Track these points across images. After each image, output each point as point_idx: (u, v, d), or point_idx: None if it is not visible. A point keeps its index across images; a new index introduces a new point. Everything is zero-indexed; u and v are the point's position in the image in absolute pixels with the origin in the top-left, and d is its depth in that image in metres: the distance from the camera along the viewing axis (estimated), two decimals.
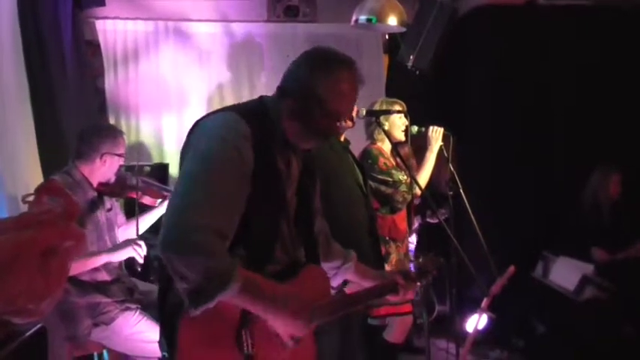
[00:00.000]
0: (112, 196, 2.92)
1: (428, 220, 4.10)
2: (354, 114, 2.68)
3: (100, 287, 2.70)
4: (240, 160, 1.49)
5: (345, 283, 2.05)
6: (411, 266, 3.26)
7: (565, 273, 3.70)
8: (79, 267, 2.55)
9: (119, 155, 2.78)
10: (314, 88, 1.59)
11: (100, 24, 4.42)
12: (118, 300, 2.75)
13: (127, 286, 2.85)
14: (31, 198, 2.51)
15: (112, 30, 4.45)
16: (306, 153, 1.77)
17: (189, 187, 1.45)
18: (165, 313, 1.56)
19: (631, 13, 4.34)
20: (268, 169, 1.57)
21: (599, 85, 4.32)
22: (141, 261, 2.67)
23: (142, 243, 2.67)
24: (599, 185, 3.98)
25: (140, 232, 2.93)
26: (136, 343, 2.71)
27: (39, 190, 2.57)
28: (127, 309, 2.76)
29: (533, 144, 4.32)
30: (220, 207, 1.43)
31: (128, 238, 2.80)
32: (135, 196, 2.87)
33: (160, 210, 2.98)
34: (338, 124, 1.64)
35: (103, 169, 2.75)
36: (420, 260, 2.15)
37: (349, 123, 2.67)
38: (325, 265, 1.89)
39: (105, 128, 3.07)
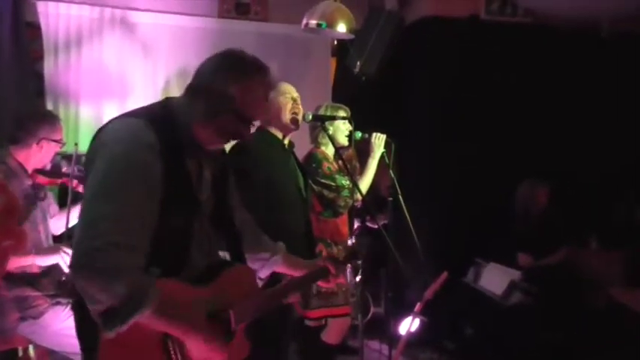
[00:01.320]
0: (47, 184, 2.84)
1: (367, 224, 4.18)
2: (299, 118, 2.75)
3: (29, 280, 2.62)
4: (147, 170, 1.44)
5: (278, 278, 2.07)
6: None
7: (494, 278, 3.86)
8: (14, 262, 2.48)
9: (56, 141, 2.72)
10: (227, 92, 1.56)
11: (41, 6, 4.25)
12: (48, 294, 2.67)
13: (59, 279, 2.78)
14: None
15: (55, 13, 4.28)
16: (220, 152, 1.77)
17: (97, 199, 1.40)
18: (84, 327, 1.51)
19: (566, 34, 4.57)
20: (177, 176, 1.53)
21: (533, 98, 4.53)
22: (66, 270, 2.60)
23: (69, 251, 2.61)
24: (527, 196, 4.18)
25: (72, 224, 2.86)
26: (65, 339, 2.62)
27: None
28: (58, 303, 2.68)
29: (471, 153, 4.48)
30: (130, 219, 1.38)
31: (58, 244, 2.73)
32: (69, 184, 2.80)
33: None
34: (250, 126, 1.63)
35: (39, 154, 2.68)
36: (350, 243, 2.22)
37: (292, 125, 2.72)
38: (253, 257, 1.90)
39: (43, 113, 2.99)
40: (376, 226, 3.48)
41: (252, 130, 1.66)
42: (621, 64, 4.67)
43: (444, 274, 2.55)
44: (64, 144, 2.80)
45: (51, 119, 2.78)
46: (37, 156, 2.69)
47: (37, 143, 2.67)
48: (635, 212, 4.42)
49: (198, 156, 1.63)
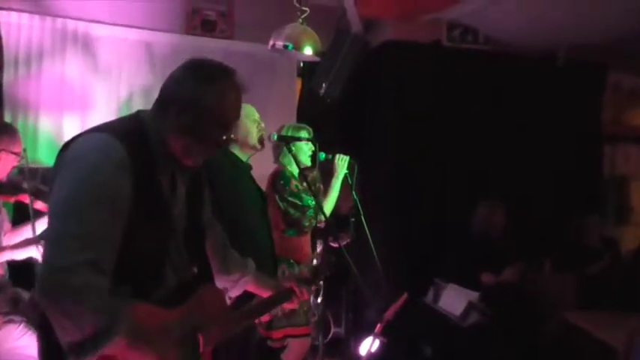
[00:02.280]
0: (2, 198, 2.77)
1: (330, 244, 4.20)
2: (265, 138, 2.77)
3: None
4: (115, 188, 1.40)
5: (248, 298, 2.06)
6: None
7: (453, 299, 3.92)
8: None
9: (15, 153, 2.67)
10: (200, 100, 1.53)
11: (3, 15, 4.16)
12: (1, 312, 2.60)
13: (12, 296, 2.71)
14: None
15: (17, 23, 4.19)
16: (193, 168, 1.70)
17: (63, 218, 1.35)
18: (48, 351, 1.45)
19: (524, 61, 4.74)
20: (149, 192, 1.49)
21: (492, 122, 4.67)
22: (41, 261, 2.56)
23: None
24: (485, 217, 4.29)
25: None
26: (18, 358, 2.57)
27: None
28: (11, 321, 2.62)
29: (431, 174, 4.57)
30: (97, 238, 1.34)
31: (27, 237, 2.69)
32: (27, 200, 2.75)
33: None
34: (228, 133, 1.61)
35: None
36: (314, 262, 2.22)
37: (259, 146, 2.74)
38: (223, 278, 1.89)
39: (2, 125, 2.94)
40: (337, 245, 3.52)
41: (229, 135, 1.63)
42: (576, 90, 4.88)
43: (404, 295, 2.58)
44: (22, 157, 2.75)
45: (11, 130, 2.74)
46: (5, 161, 2.63)
47: (7, 153, 2.62)
48: (586, 234, 4.59)
49: (170, 171, 1.60)
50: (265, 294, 2.00)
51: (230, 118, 1.60)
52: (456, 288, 3.95)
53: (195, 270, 1.73)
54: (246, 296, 2.03)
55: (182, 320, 1.52)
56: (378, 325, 2.60)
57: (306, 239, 3.28)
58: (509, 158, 4.67)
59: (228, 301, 1.93)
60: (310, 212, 3.13)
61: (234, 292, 1.95)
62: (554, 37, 4.52)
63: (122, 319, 1.32)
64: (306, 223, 3.15)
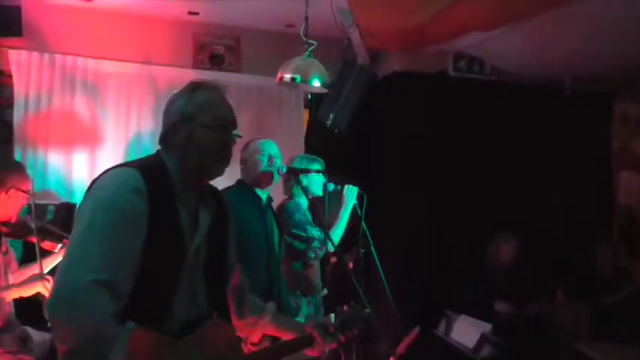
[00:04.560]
0: (11, 237, 2.78)
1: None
2: (274, 173, 2.80)
3: None
4: (131, 212, 1.48)
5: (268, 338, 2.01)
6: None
7: (465, 331, 3.86)
8: None
9: (24, 191, 2.69)
10: (185, 112, 1.61)
11: (13, 54, 4.24)
12: (10, 350, 2.58)
13: (20, 335, 2.70)
14: None
15: (27, 61, 4.28)
16: (220, 204, 1.75)
17: (81, 240, 1.44)
18: None
19: (531, 91, 4.76)
20: (166, 222, 1.55)
21: (500, 152, 4.66)
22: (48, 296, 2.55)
23: (50, 278, 2.57)
24: (496, 250, 4.26)
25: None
26: None
27: None
28: None
29: (441, 205, 4.55)
30: (112, 260, 1.41)
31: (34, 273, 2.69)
32: (34, 240, 2.76)
33: (60, 256, 2.86)
34: (229, 134, 1.65)
35: (8, 203, 2.66)
36: (344, 310, 1.93)
37: (269, 183, 2.78)
38: (238, 323, 1.86)
39: (13, 162, 2.98)
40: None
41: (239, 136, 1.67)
42: (584, 119, 4.88)
43: (416, 330, 2.54)
44: (30, 195, 2.77)
45: (20, 169, 2.78)
46: (4, 205, 2.65)
47: (7, 192, 2.63)
48: (598, 263, 4.53)
49: (192, 203, 1.64)
50: (285, 336, 1.93)
51: (220, 116, 1.64)
52: (468, 319, 3.89)
53: (213, 306, 1.71)
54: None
55: (188, 352, 1.52)
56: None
57: (313, 270, 3.26)
58: (519, 187, 4.64)
59: (251, 348, 1.88)
60: (316, 243, 3.11)
61: (254, 338, 1.90)
62: (559, 67, 4.54)
63: (122, 341, 1.35)
64: (312, 255, 3.14)
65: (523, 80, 4.69)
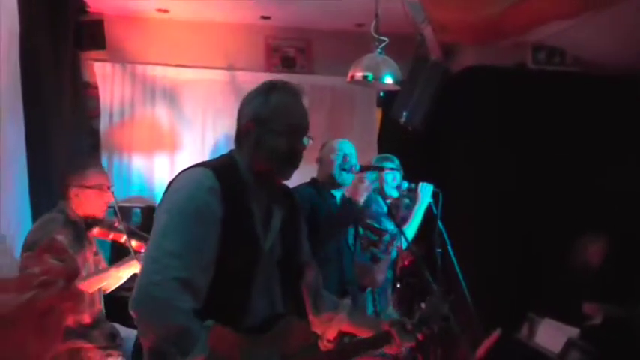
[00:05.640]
0: (100, 234, 2.91)
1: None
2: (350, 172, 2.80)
3: (81, 332, 2.67)
4: (207, 211, 1.51)
5: (345, 335, 2.00)
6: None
7: (550, 335, 3.69)
8: (90, 285, 2.60)
9: (90, 187, 2.78)
10: (256, 115, 1.63)
11: (98, 67, 4.47)
12: (100, 345, 2.71)
13: (109, 331, 2.82)
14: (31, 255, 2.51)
15: (111, 73, 4.50)
16: (292, 202, 1.77)
17: (160, 238, 1.48)
18: None
19: (616, 80, 4.47)
20: (239, 219, 1.57)
21: (583, 148, 4.42)
22: None
23: None
24: (585, 248, 4.03)
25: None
26: None
27: (41, 249, 2.56)
28: (109, 355, 2.72)
29: (520, 203, 4.37)
30: (191, 257, 1.45)
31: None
32: (121, 239, 2.88)
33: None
34: (299, 140, 1.64)
35: (78, 202, 2.77)
36: (423, 306, 1.89)
37: (342, 183, 2.78)
38: (314, 320, 1.87)
39: (77, 165, 3.11)
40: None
41: (309, 143, 1.68)
42: None
43: (496, 333, 2.44)
44: (113, 195, 2.90)
45: (82, 168, 2.89)
46: (79, 206, 2.77)
47: (72, 193, 2.77)
48: None
49: (265, 202, 1.67)
50: (361, 333, 1.91)
51: (291, 122, 1.64)
52: (552, 323, 3.71)
53: (289, 303, 1.73)
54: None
55: (266, 349, 1.55)
56: None
57: (380, 266, 3.21)
58: (605, 185, 4.37)
59: (328, 345, 1.87)
60: (387, 237, 3.09)
61: (330, 334, 1.90)
62: None
63: (203, 340, 1.39)
64: (382, 248, 3.12)
65: (609, 71, 4.42)
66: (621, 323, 3.74)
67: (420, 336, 1.84)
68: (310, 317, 1.86)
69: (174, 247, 1.45)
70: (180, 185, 1.58)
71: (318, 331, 1.88)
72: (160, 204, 1.61)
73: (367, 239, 3.12)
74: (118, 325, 2.92)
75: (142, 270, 1.46)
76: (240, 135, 1.66)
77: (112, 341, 2.79)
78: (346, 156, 2.87)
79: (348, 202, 2.75)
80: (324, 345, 1.87)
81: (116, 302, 2.92)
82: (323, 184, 2.89)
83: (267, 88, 1.68)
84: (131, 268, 2.71)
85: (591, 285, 3.88)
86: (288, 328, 1.64)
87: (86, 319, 2.69)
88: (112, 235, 2.93)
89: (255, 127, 1.62)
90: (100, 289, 2.86)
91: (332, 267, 2.68)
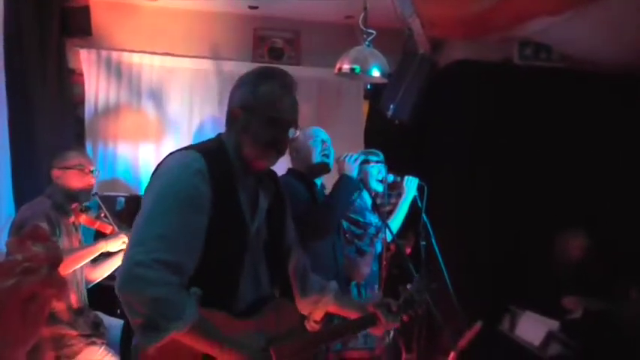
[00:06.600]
0: (86, 223, 2.91)
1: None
2: (330, 160, 2.80)
3: (66, 320, 2.66)
4: (196, 196, 1.52)
5: (332, 317, 2.02)
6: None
7: (531, 328, 3.73)
8: (76, 260, 2.65)
9: (68, 167, 2.81)
10: (244, 101, 1.64)
11: (84, 53, 4.42)
12: (84, 333, 2.71)
13: (92, 320, 2.82)
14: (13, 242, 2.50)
15: (96, 59, 4.45)
16: (278, 186, 1.79)
17: (146, 221, 1.48)
18: (126, 349, 1.55)
19: (603, 77, 4.51)
20: (228, 203, 1.58)
21: (567, 143, 4.46)
22: None
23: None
24: (566, 243, 4.08)
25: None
26: None
27: (23, 235, 2.55)
28: (93, 343, 2.72)
29: (505, 197, 4.41)
30: (176, 239, 1.45)
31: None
32: (106, 230, 2.90)
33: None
34: (284, 132, 1.65)
35: (61, 183, 2.80)
36: (408, 288, 1.92)
37: (323, 165, 2.78)
38: (301, 301, 1.90)
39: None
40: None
41: (295, 134, 1.70)
42: None
43: (478, 324, 2.48)
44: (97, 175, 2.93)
45: (63, 151, 2.95)
46: (61, 187, 2.81)
47: (54, 175, 2.82)
48: None
49: (252, 185, 1.68)
50: (348, 314, 1.95)
51: (278, 114, 1.64)
52: (533, 316, 3.76)
53: (276, 286, 1.76)
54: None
55: (255, 331, 1.57)
56: (452, 355, 2.50)
57: (365, 259, 3.23)
58: (588, 180, 4.43)
59: (315, 326, 1.90)
60: (372, 230, 3.10)
61: (316, 315, 1.92)
62: (635, 53, 4.28)
63: (190, 306, 1.41)
64: (367, 241, 3.12)
65: (595, 67, 4.46)
66: (601, 317, 3.81)
67: (404, 317, 1.89)
68: (297, 299, 1.88)
69: (160, 230, 1.45)
70: (167, 168, 1.58)
71: (305, 313, 1.90)
72: (147, 187, 1.61)
73: (351, 233, 3.12)
74: (101, 314, 2.92)
75: (127, 252, 1.45)
76: (229, 119, 1.68)
77: (96, 329, 2.80)
78: (324, 141, 2.86)
79: (345, 178, 2.74)
80: (310, 326, 1.91)
81: (100, 291, 2.93)
82: (305, 175, 2.85)
83: (259, 76, 1.68)
84: (118, 242, 2.76)
85: (572, 279, 3.94)
86: (275, 311, 1.66)
87: (74, 301, 2.73)
88: (97, 225, 2.93)
89: (242, 113, 1.64)
90: (82, 278, 2.85)
91: (327, 260, 2.68)
